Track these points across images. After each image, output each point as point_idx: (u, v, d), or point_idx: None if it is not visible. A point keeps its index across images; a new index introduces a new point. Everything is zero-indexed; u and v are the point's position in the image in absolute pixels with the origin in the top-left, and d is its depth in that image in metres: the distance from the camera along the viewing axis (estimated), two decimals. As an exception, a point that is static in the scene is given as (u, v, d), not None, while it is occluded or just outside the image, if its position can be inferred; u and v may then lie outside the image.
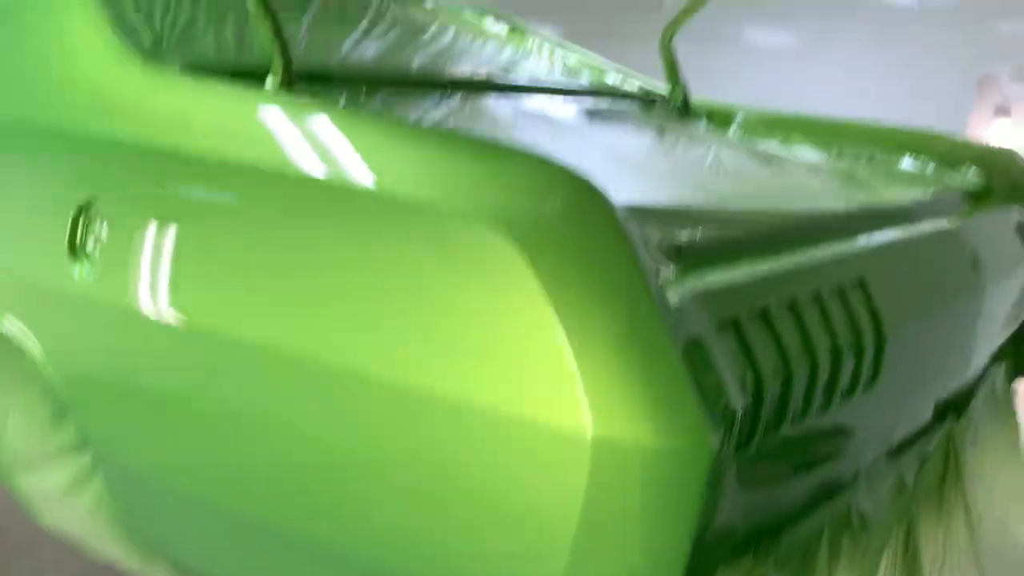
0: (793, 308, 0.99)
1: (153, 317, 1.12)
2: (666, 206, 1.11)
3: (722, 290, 0.93)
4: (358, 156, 0.99)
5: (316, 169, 1.02)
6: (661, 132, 1.82)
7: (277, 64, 1.33)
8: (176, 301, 1.10)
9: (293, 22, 1.81)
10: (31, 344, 1.32)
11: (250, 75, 1.41)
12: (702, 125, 2.20)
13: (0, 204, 1.36)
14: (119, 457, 1.29)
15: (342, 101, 1.45)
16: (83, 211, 1.21)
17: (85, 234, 1.21)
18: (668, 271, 0.90)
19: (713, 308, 0.89)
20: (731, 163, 1.65)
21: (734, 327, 0.91)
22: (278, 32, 1.32)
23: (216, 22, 1.63)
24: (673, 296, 0.85)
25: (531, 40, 2.46)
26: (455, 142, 0.98)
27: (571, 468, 0.76)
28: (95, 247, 1.19)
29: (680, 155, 1.65)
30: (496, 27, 2.48)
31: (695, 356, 0.81)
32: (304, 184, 1.02)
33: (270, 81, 1.35)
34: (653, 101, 2.27)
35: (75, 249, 1.21)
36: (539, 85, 1.98)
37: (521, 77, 2.05)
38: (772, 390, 0.92)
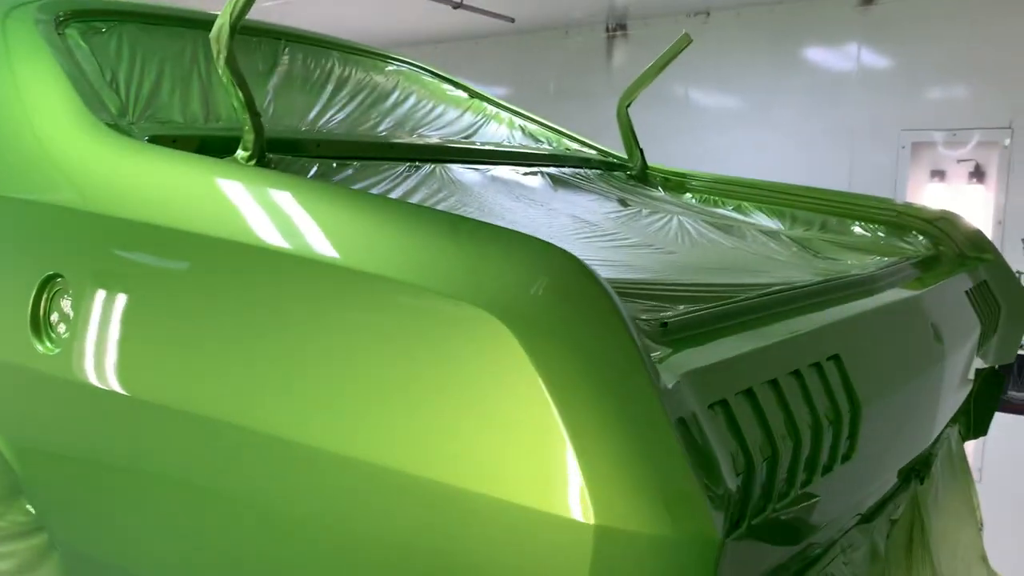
0: (775, 385, 1.01)
1: (119, 393, 1.09)
2: (647, 281, 1.12)
3: (710, 368, 0.93)
4: (338, 234, 0.98)
5: (293, 246, 1.00)
6: (624, 201, 1.84)
7: (248, 137, 1.32)
8: (143, 378, 1.07)
9: (259, 87, 1.81)
10: None
11: (218, 144, 1.40)
12: (659, 192, 2.24)
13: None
14: (78, 541, 1.23)
15: (312, 172, 1.44)
16: (47, 284, 1.17)
17: (48, 308, 1.17)
18: (658, 351, 0.91)
19: (702, 387, 0.90)
20: (695, 233, 1.68)
21: (722, 406, 0.92)
22: (251, 104, 1.32)
23: (182, 90, 1.61)
24: (666, 377, 0.85)
25: (488, 107, 2.50)
26: (442, 220, 0.98)
27: (573, 558, 0.75)
28: (58, 321, 1.16)
29: (646, 224, 1.67)
30: (454, 91, 2.51)
31: (691, 438, 0.81)
32: (280, 261, 1.00)
33: (240, 153, 1.34)
34: (612, 167, 2.31)
35: (37, 323, 1.17)
36: (502, 151, 2.00)
37: (485, 144, 2.07)
38: (759, 469, 0.93)
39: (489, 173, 1.76)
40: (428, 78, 2.51)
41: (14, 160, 1.33)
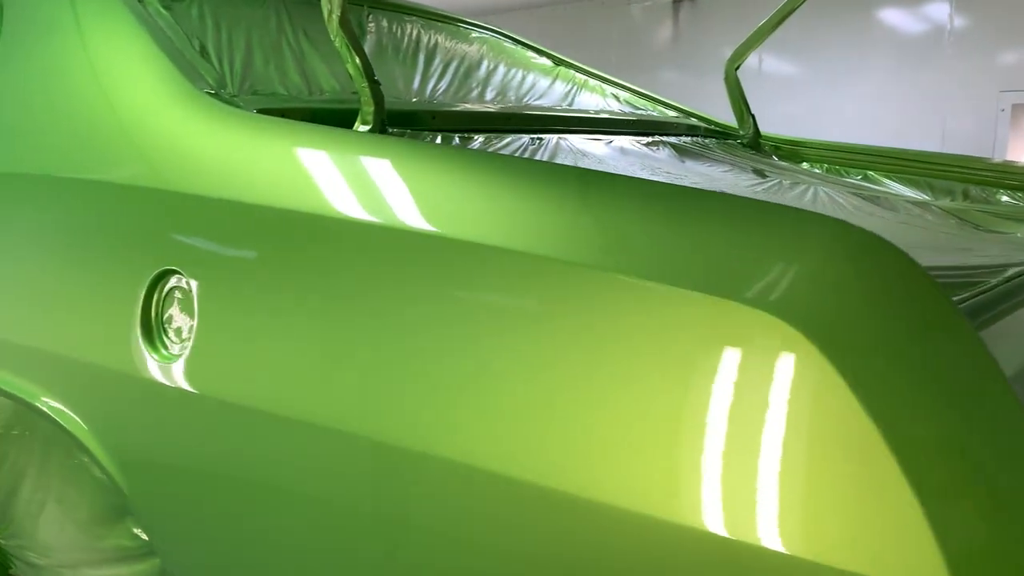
0: None
1: (256, 408, 0.93)
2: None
3: None
4: (534, 219, 0.81)
5: (476, 234, 0.82)
6: (760, 171, 1.66)
7: (368, 108, 1.15)
8: (283, 390, 0.91)
9: None
10: (80, 431, 1.12)
11: (330, 118, 1.23)
12: (779, 161, 2.05)
13: (42, 273, 1.16)
14: (197, 570, 1.08)
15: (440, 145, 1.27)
16: (159, 282, 1.01)
17: (162, 309, 1.02)
18: None
19: None
20: (849, 206, 1.49)
21: None
22: (369, 72, 1.15)
23: (276, 61, 1.45)
24: None
25: (576, 74, 2.32)
26: (686, 195, 0.77)
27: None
28: (177, 324, 1.00)
29: (795, 197, 1.48)
30: (539, 59, 2.34)
31: None
32: (456, 251, 0.82)
33: (360, 127, 1.17)
34: (719, 135, 2.12)
35: (149, 326, 1.02)
36: (618, 119, 1.83)
37: (599, 112, 1.90)
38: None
39: (612, 144, 1.58)
40: (510, 45, 2.34)
41: (102, 142, 1.17)
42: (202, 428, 0.98)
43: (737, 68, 2.12)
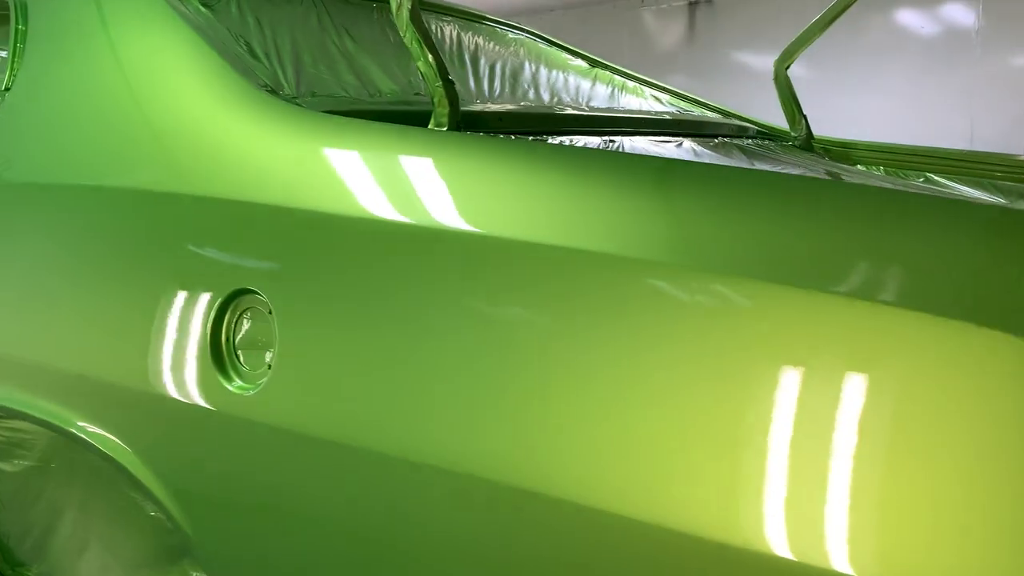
0: None
1: (344, 443, 0.83)
2: None
3: None
4: (672, 226, 0.72)
5: (592, 242, 0.74)
6: (833, 175, 1.57)
7: (442, 109, 1.06)
8: (380, 423, 0.82)
9: (397, 55, 1.55)
10: (135, 467, 1.02)
11: (397, 121, 1.14)
12: (838, 163, 1.96)
13: (90, 292, 1.06)
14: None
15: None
16: (230, 304, 0.92)
17: (233, 334, 0.92)
18: None
19: None
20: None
21: None
22: (443, 69, 1.06)
23: (325, 61, 1.36)
24: None
25: (611, 74, 2.24)
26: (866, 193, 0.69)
27: None
28: (255, 352, 0.90)
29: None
30: (575, 61, 2.25)
31: None
32: (580, 264, 0.74)
33: (434, 127, 1.08)
34: (768, 136, 2.04)
35: (220, 354, 0.92)
36: (681, 120, 1.75)
37: (655, 114, 1.82)
38: None
39: (682, 146, 1.49)
40: (544, 46, 2.26)
41: (156, 149, 1.07)
42: (285, 465, 0.88)
43: (787, 68, 2.04)
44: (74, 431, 1.06)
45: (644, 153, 1.31)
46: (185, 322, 0.94)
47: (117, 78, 1.17)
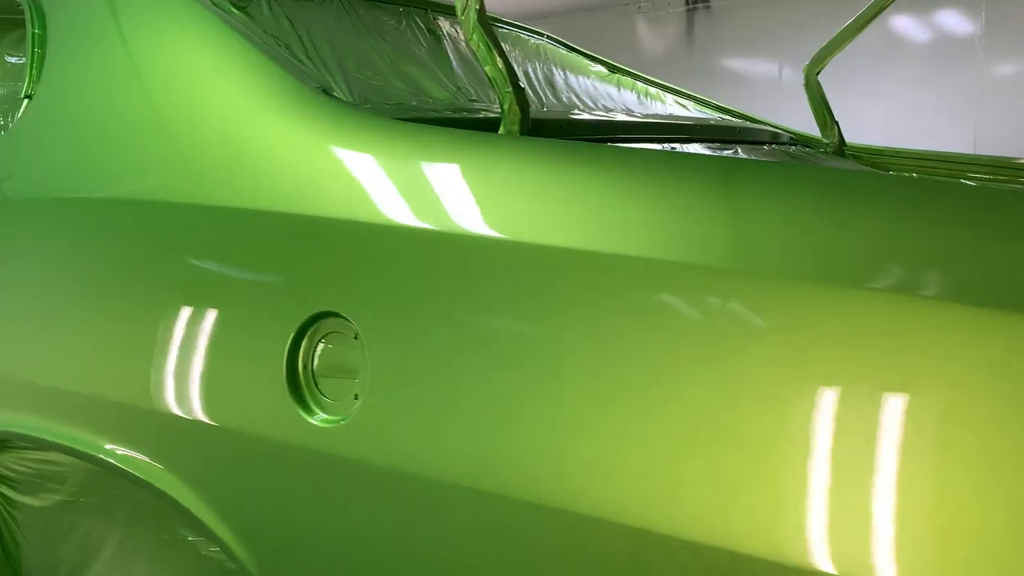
0: None
1: (442, 481, 0.76)
2: None
3: None
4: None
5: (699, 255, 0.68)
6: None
7: (513, 117, 1.00)
8: (482, 459, 0.75)
9: (424, 60, 1.48)
10: (188, 501, 0.94)
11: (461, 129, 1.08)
12: (873, 169, 1.92)
13: (137, 318, 0.98)
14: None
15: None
16: (310, 328, 0.84)
17: (310, 361, 0.84)
18: None
19: None
20: None
21: None
22: (513, 74, 1.00)
23: (370, 66, 1.29)
24: None
25: (632, 80, 2.20)
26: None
27: None
28: (339, 380, 0.83)
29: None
30: (595, 66, 2.20)
31: None
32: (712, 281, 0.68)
33: (506, 132, 1.02)
34: (799, 142, 1.99)
35: (297, 382, 0.84)
36: (724, 126, 1.70)
37: (704, 120, 1.77)
38: None
39: (737, 153, 1.44)
40: (563, 51, 2.21)
41: (209, 161, 1.00)
42: (373, 502, 0.80)
43: (818, 73, 1.99)
44: (121, 464, 0.98)
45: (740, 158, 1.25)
46: (256, 348, 0.86)
47: (155, 84, 1.09)
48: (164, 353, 0.93)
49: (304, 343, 0.84)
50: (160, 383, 0.94)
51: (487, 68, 1.01)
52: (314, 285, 0.84)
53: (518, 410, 0.73)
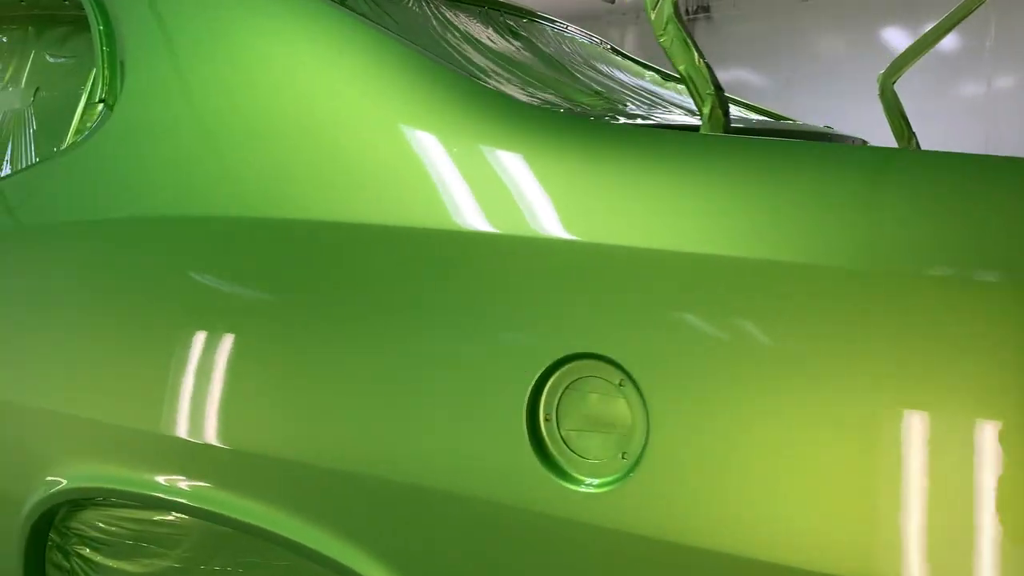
0: None
1: (745, 558, 0.67)
2: None
3: None
4: None
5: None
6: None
7: (716, 122, 0.91)
8: (782, 528, 0.66)
9: (485, 59, 1.38)
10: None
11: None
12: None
13: (320, 362, 0.85)
14: None
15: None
16: (552, 374, 0.73)
17: (557, 414, 0.73)
18: None
19: None
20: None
21: None
22: (712, 74, 0.91)
23: (497, 68, 1.17)
24: None
25: (677, 84, 2.13)
26: None
27: None
28: (587, 433, 0.72)
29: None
30: (648, 73, 2.13)
31: None
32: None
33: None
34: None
35: (541, 439, 0.73)
36: (814, 132, 1.65)
37: (791, 126, 1.72)
38: None
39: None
40: (590, 45, 2.12)
41: (373, 175, 0.87)
42: None
43: (894, 82, 1.94)
44: (285, 534, 0.85)
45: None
46: (484, 399, 0.75)
47: (295, 88, 0.95)
48: (339, 401, 0.80)
49: (546, 388, 0.73)
50: (339, 440, 0.81)
51: (682, 67, 0.92)
52: (565, 321, 0.73)
53: (841, 478, 0.64)
